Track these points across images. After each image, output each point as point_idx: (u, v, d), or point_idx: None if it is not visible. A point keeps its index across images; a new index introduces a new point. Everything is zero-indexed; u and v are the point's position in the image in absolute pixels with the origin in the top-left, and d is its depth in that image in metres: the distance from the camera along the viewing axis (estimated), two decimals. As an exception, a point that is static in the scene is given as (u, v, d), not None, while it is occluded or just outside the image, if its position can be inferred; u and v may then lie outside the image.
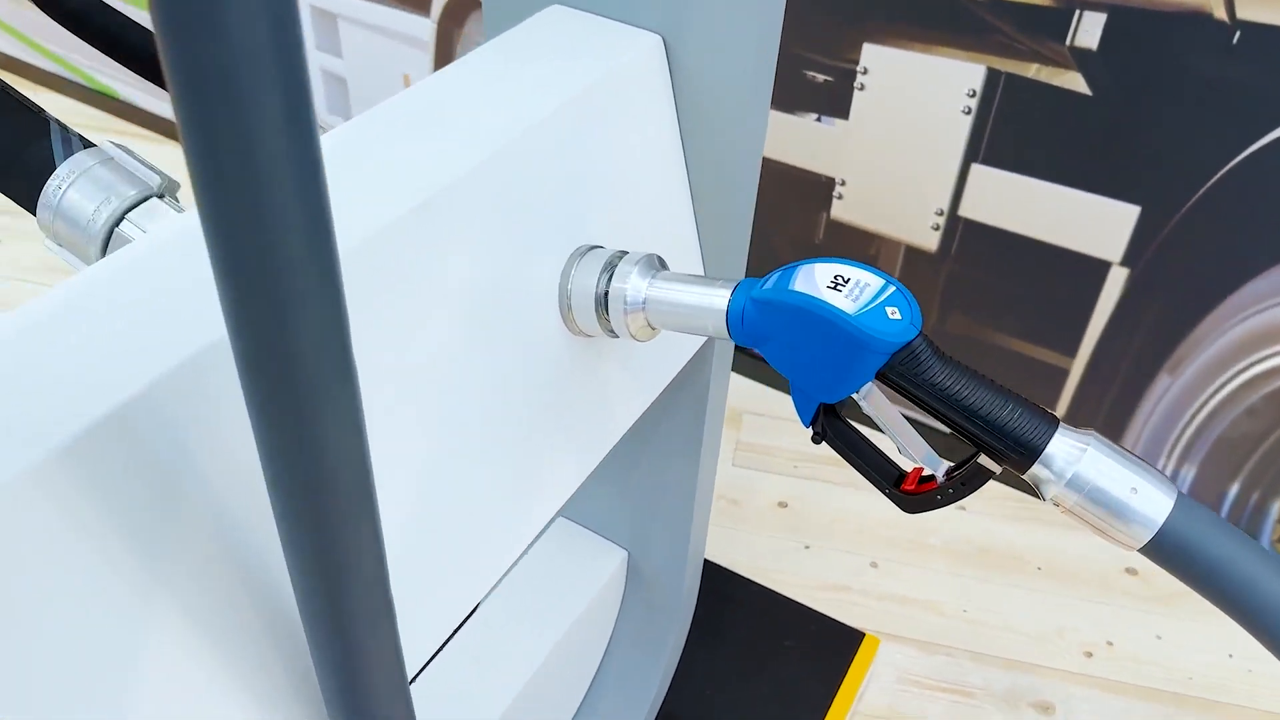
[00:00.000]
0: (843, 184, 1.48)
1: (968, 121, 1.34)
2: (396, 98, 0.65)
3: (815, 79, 1.42)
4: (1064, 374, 1.46)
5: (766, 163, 1.53)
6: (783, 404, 1.73)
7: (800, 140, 1.48)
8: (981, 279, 1.45)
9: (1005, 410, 0.57)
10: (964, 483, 0.61)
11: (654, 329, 0.67)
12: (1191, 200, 1.25)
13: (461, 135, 0.61)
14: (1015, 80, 1.28)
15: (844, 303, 0.59)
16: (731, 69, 0.73)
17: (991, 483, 1.54)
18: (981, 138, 1.34)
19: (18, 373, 0.42)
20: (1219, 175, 1.22)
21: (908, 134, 1.39)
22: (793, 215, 1.55)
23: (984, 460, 0.59)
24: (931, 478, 0.63)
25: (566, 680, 1.05)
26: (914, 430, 0.63)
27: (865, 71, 1.38)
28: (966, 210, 1.40)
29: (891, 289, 0.60)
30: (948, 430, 0.59)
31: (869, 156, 1.44)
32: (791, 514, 1.53)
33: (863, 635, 1.30)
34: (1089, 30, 1.21)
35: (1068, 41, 1.23)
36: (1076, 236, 1.35)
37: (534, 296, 0.65)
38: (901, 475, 0.65)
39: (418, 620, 0.59)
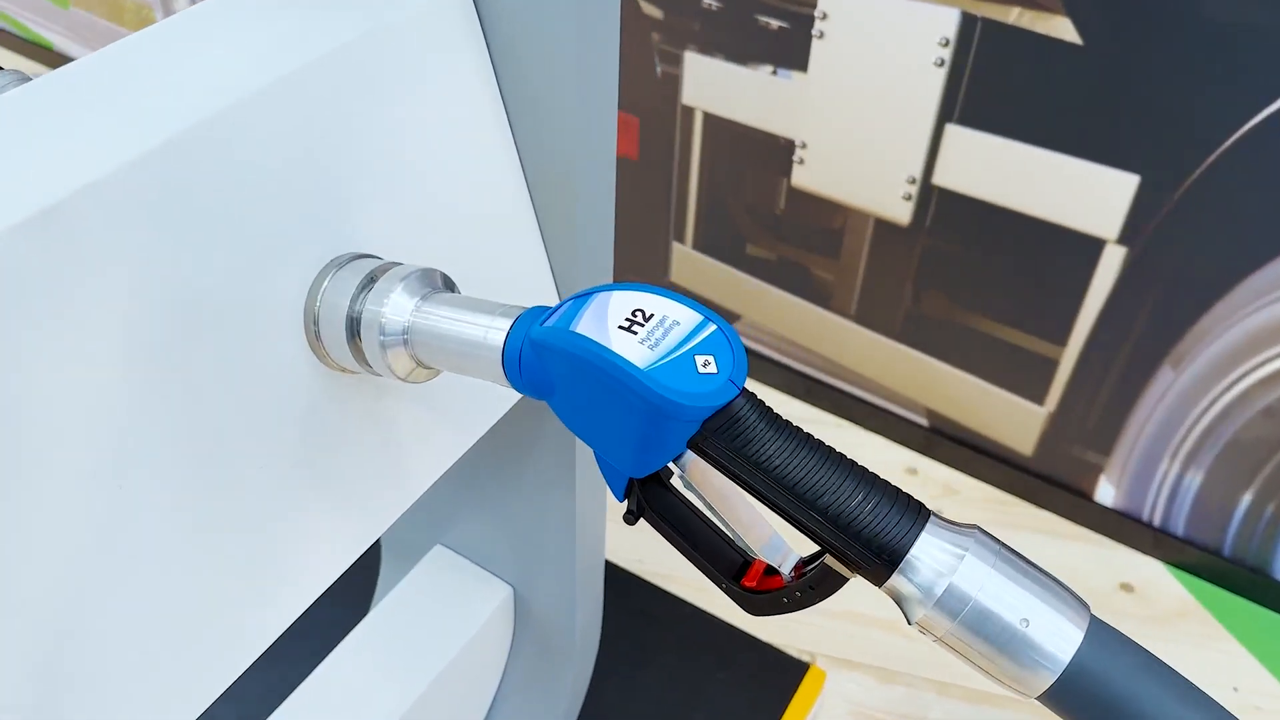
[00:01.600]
0: (803, 146, 1.30)
1: (941, 75, 1.15)
2: (96, 54, 0.49)
3: (769, 25, 1.24)
4: (1053, 365, 1.28)
5: (718, 121, 1.35)
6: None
7: (754, 96, 1.30)
8: (960, 256, 1.27)
9: (854, 499, 0.41)
10: (813, 586, 0.45)
11: (429, 369, 0.51)
12: (1199, 169, 1.06)
13: (150, 104, 0.45)
14: (993, 27, 1.10)
15: (634, 351, 0.42)
16: (557, 18, 0.56)
17: (976, 483, 1.34)
18: (957, 94, 1.16)
19: None
20: (1231, 140, 1.03)
21: (874, 90, 1.21)
22: (749, 182, 1.38)
23: (833, 563, 0.43)
24: (777, 572, 0.47)
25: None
26: (755, 509, 0.47)
27: (824, 17, 1.19)
28: (941, 178, 1.22)
29: (709, 329, 0.44)
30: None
31: (831, 115, 1.26)
32: (745, 517, 1.38)
33: (807, 666, 1.15)
34: (1079, -34, 1.02)
35: (1054, -20, 1.04)
36: (1067, 209, 1.16)
37: (267, 320, 0.49)
38: (745, 566, 0.49)
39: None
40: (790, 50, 1.24)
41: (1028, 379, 1.31)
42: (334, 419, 0.54)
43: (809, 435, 0.43)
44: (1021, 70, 1.10)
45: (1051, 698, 0.40)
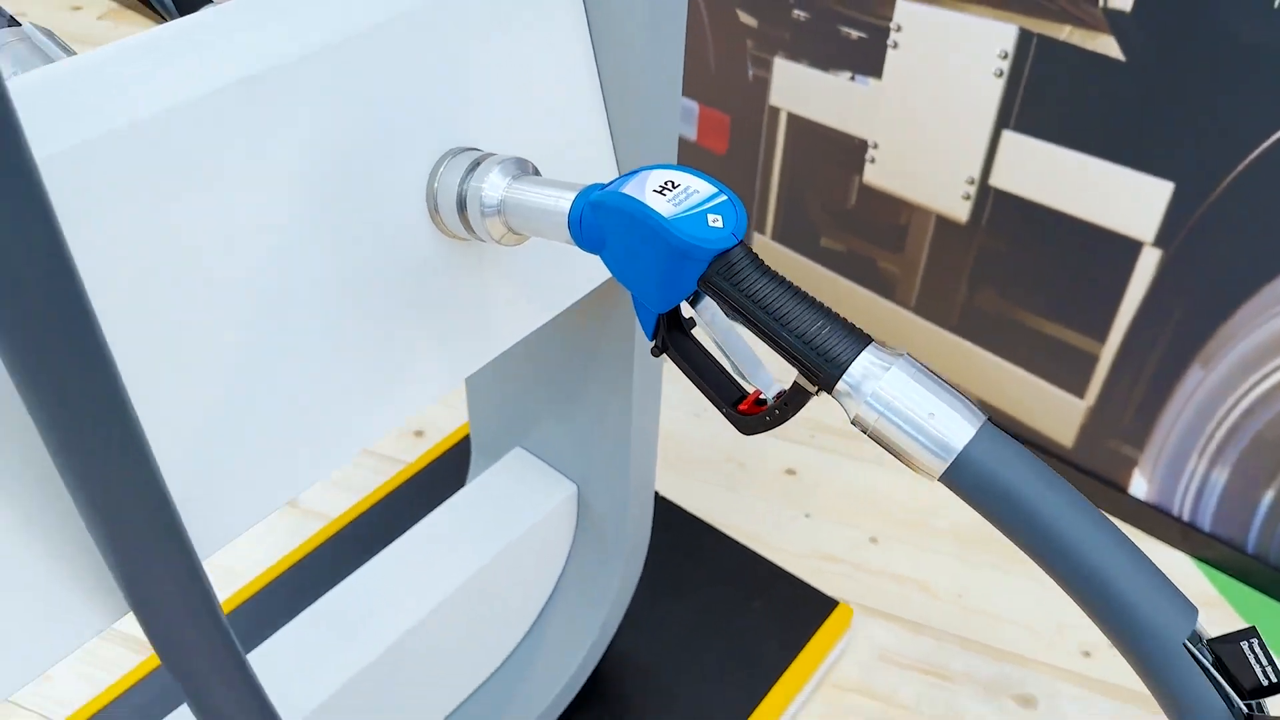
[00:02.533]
0: (875, 146, 1.44)
1: (999, 85, 1.28)
2: None
3: (850, 35, 1.38)
4: (1093, 360, 1.38)
5: (800, 122, 1.50)
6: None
7: (834, 99, 1.44)
8: (1012, 254, 1.39)
9: (816, 325, 0.55)
10: (787, 403, 0.59)
11: (518, 234, 0.67)
12: (1229, 178, 1.17)
13: (317, 19, 0.62)
14: (1047, 42, 1.22)
15: (663, 206, 0.57)
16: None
17: None
18: (1013, 103, 1.28)
19: None
20: (1259, 151, 1.13)
21: (940, 96, 1.34)
22: (825, 177, 1.52)
23: (801, 380, 0.57)
24: (765, 402, 0.62)
25: (499, 606, 1.06)
26: (752, 352, 0.61)
27: (898, 29, 1.34)
28: (997, 180, 1.35)
29: (721, 198, 0.58)
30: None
31: (901, 119, 1.39)
32: (798, 482, 1.51)
33: (835, 604, 1.27)
34: (1123, -11, 1.14)
35: (1101, 2, 1.16)
36: (1108, 213, 1.27)
37: (399, 193, 0.66)
38: (741, 397, 0.63)
39: (232, 501, 0.61)
40: (867, 58, 1.38)
41: (1070, 373, 1.42)
42: (445, 275, 0.70)
43: (788, 281, 0.57)
44: (1070, 82, 1.22)
45: (948, 480, 0.53)
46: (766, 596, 1.26)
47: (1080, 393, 1.42)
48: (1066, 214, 1.31)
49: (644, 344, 0.94)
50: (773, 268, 0.58)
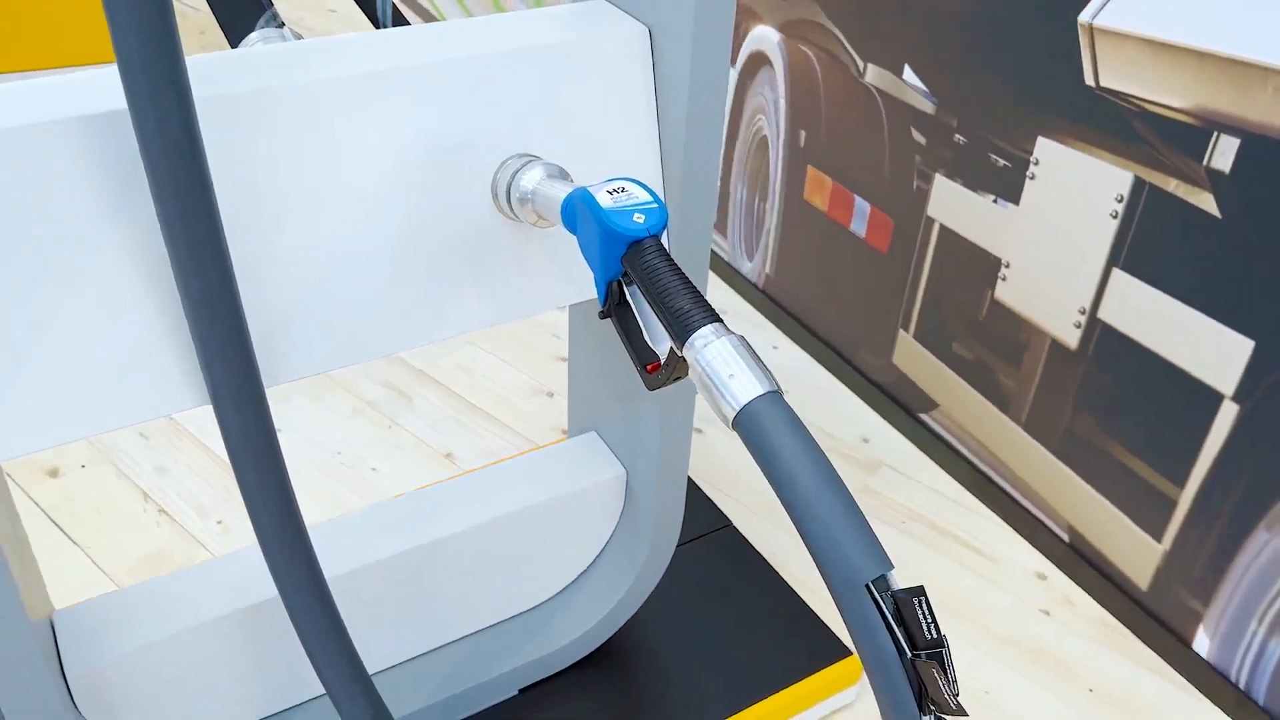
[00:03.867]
0: (1007, 265, 1.56)
1: (1114, 226, 1.38)
2: (411, 29, 0.96)
3: (997, 162, 1.52)
4: (1172, 505, 1.41)
5: (949, 234, 1.64)
6: (918, 459, 1.79)
7: (978, 217, 1.58)
8: (1111, 387, 1.46)
9: (686, 303, 0.75)
10: (669, 366, 0.79)
11: (543, 219, 0.92)
12: (1304, 345, 1.20)
13: (434, 48, 0.90)
14: (1157, 192, 1.31)
15: (606, 200, 0.80)
16: (709, 62, 0.95)
17: (1093, 603, 1.65)
18: (1124, 243, 1.38)
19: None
20: (1333, 324, 1.17)
21: (1064, 228, 1.45)
22: (964, 288, 1.65)
23: (674, 345, 0.77)
24: (660, 363, 0.82)
25: (535, 553, 1.27)
26: (660, 325, 0.82)
27: (1037, 163, 1.47)
28: (1105, 313, 1.43)
29: (651, 205, 0.80)
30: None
31: (1031, 243, 1.51)
32: (873, 555, 1.62)
33: (849, 653, 1.38)
34: (1224, 153, 1.23)
35: (1204, 161, 1.25)
36: (1195, 361, 1.33)
37: (473, 174, 0.92)
38: (652, 360, 0.83)
39: (299, 350, 0.88)
40: (1009, 185, 1.52)
41: (1151, 514, 1.45)
42: (495, 243, 0.95)
43: (680, 272, 0.77)
44: (1173, 232, 1.31)
45: (736, 427, 0.71)
46: (788, 628, 1.39)
47: (1158, 536, 1.45)
48: (1160, 356, 1.37)
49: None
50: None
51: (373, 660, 1.21)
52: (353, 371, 1.94)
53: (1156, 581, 1.47)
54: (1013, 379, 1.62)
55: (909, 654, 0.65)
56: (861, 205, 1.81)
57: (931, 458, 1.80)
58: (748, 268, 2.16)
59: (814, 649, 1.38)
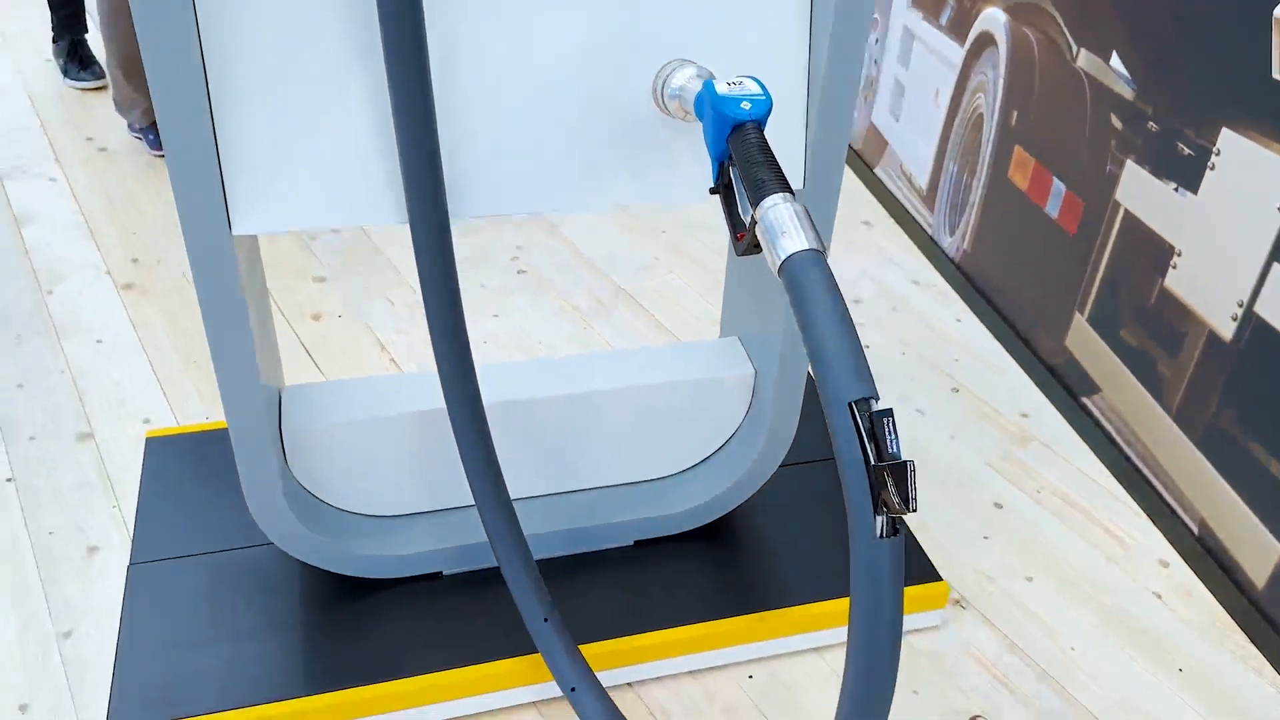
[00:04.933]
0: (1179, 254, 1.59)
1: (1279, 220, 1.39)
2: None
3: (1184, 151, 1.55)
4: (1299, 506, 1.41)
5: (1131, 219, 1.68)
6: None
7: (1159, 204, 1.61)
8: (1257, 382, 1.47)
9: (764, 175, 0.92)
10: (751, 232, 0.96)
11: (689, 114, 1.10)
12: None
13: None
14: (1324, 188, 1.32)
15: (722, 89, 0.98)
16: None
17: (1209, 597, 1.79)
18: (1287, 239, 1.39)
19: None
20: None
21: (1233, 220, 1.47)
22: (1137, 274, 1.68)
23: (751, 212, 0.94)
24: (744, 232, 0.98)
25: (665, 427, 1.45)
26: (747, 199, 0.99)
27: (1218, 153, 1.49)
28: (1261, 308, 1.44)
29: (760, 96, 0.97)
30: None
31: (1203, 234, 1.53)
32: (999, 515, 1.69)
33: (940, 580, 1.48)
34: (1391, 151, 1.23)
35: (1372, 159, 1.25)
36: (1340, 361, 1.33)
37: (638, 74, 1.12)
38: (742, 228, 1.00)
39: (481, 187, 1.11)
40: (1191, 174, 1.54)
41: (1277, 516, 1.45)
42: (652, 135, 1.14)
43: (772, 156, 0.94)
44: (1335, 229, 1.31)
45: (780, 274, 0.87)
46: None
47: (1282, 537, 1.45)
48: (1306, 354, 1.37)
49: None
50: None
51: (518, 485, 1.45)
52: (567, 280, 2.20)
53: (1273, 582, 1.47)
54: (1170, 368, 1.64)
55: (873, 463, 0.79)
56: (1058, 186, 1.86)
57: (1085, 440, 1.83)
58: (947, 242, 2.24)
59: (910, 568, 1.49)
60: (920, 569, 1.49)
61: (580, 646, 1.33)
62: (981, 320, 2.12)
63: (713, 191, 1.03)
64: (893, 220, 2.45)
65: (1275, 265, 1.41)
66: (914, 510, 0.80)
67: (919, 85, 2.31)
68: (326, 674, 1.32)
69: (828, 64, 1.14)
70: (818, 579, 1.46)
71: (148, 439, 1.64)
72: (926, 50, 2.26)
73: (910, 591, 1.46)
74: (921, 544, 1.58)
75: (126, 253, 2.22)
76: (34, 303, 2.06)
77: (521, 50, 1.08)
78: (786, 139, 1.18)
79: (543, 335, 2.03)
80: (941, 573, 1.56)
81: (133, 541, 1.48)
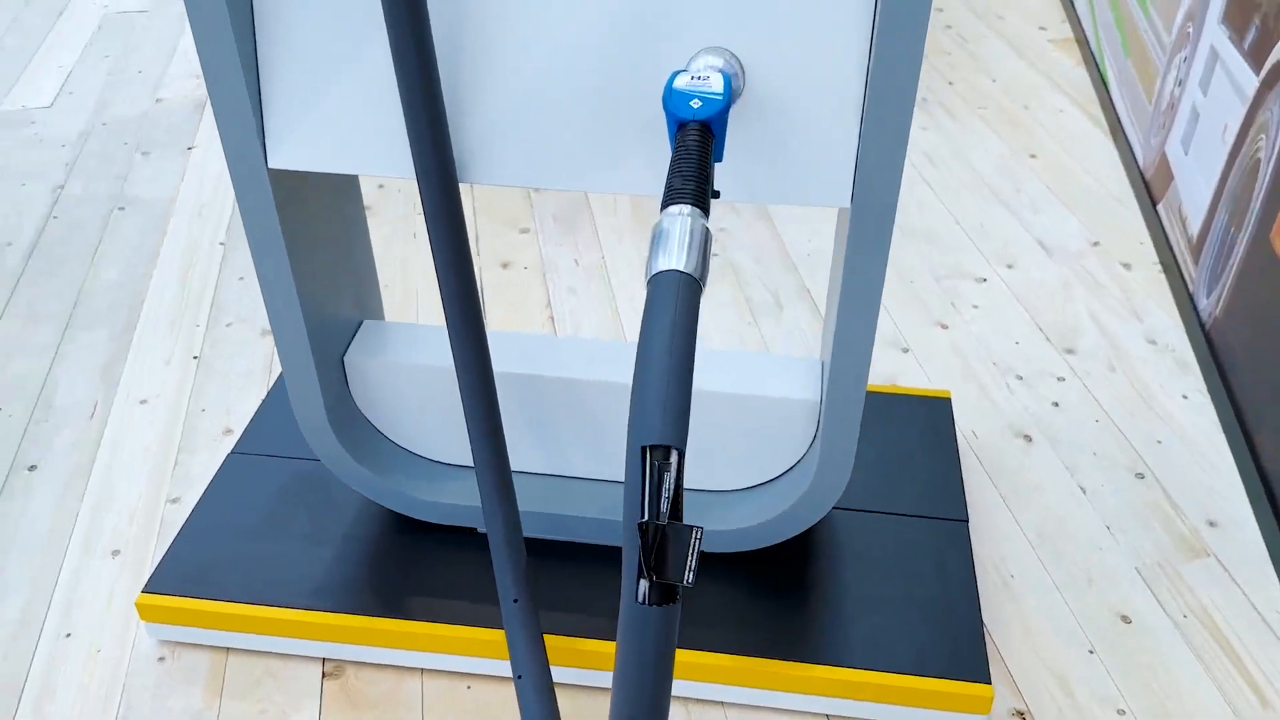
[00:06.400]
0: None
1: None
2: None
3: None
4: None
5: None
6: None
7: None
8: None
9: (680, 182, 0.84)
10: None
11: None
12: None
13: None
14: None
15: (682, 81, 0.89)
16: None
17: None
18: None
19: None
20: None
21: None
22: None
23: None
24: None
25: (720, 446, 1.35)
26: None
27: None
28: None
29: (717, 97, 0.87)
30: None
31: None
32: (1123, 653, 1.43)
33: (985, 681, 1.27)
34: None
35: None
36: None
37: (661, 60, 1.04)
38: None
39: (490, 157, 1.10)
40: None
41: None
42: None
43: (703, 157, 0.84)
44: None
45: (647, 285, 0.78)
46: (948, 626, 1.33)
47: None
48: None
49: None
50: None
51: (529, 460, 1.43)
52: (749, 270, 2.11)
53: None
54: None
55: (648, 509, 0.70)
56: (1313, 257, 1.51)
57: (1278, 568, 1.49)
58: (1204, 304, 1.90)
59: (960, 657, 1.30)
60: (967, 662, 1.30)
61: (582, 640, 1.31)
62: (1213, 403, 1.78)
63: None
64: (1158, 266, 2.11)
65: None
66: (687, 584, 0.69)
67: (1212, 116, 1.96)
68: (342, 594, 1.38)
69: (873, 68, 0.99)
70: (864, 642, 1.32)
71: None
72: (1226, 75, 1.91)
73: (941, 686, 1.28)
74: (995, 636, 1.37)
75: (371, 180, 2.42)
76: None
77: (547, 22, 1.05)
78: (833, 150, 1.05)
79: (705, 323, 1.97)
80: (1016, 678, 1.35)
81: (243, 432, 1.63)
